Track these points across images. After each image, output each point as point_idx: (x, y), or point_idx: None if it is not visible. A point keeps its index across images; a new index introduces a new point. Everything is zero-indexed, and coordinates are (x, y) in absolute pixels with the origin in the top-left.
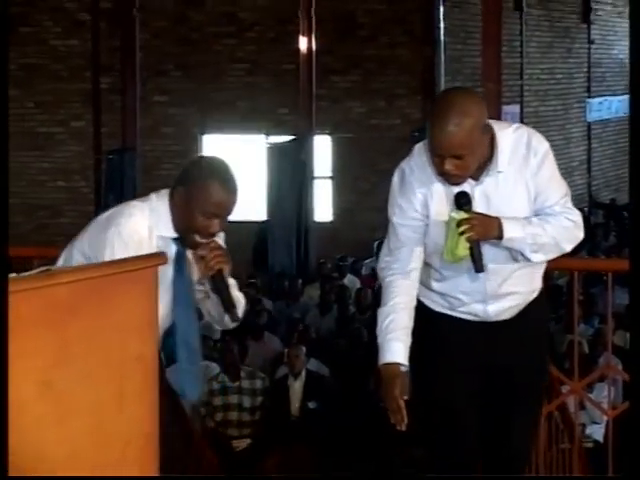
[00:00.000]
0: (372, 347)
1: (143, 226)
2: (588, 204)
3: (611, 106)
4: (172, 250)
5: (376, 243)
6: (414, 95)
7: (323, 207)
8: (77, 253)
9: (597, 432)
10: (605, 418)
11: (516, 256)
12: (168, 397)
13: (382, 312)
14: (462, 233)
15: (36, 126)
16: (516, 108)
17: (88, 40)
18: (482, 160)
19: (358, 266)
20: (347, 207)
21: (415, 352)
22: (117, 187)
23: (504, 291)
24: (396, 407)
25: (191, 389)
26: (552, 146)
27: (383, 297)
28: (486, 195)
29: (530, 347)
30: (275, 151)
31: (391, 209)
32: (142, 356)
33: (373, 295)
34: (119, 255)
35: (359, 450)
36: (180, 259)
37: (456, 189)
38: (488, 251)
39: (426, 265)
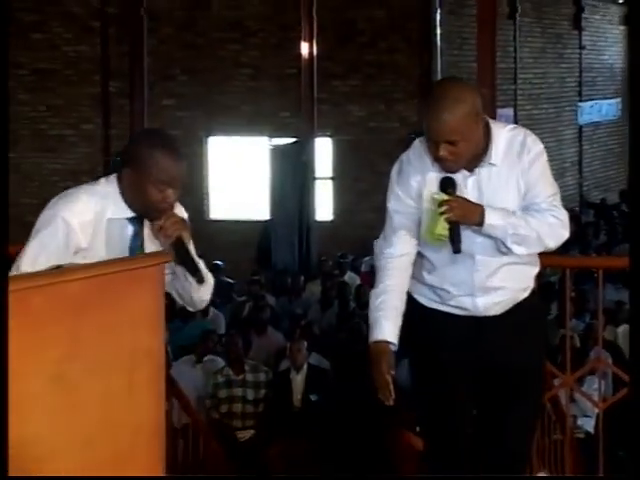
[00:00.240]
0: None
1: (87, 210)
2: (579, 204)
3: (601, 109)
4: (129, 230)
5: (375, 241)
6: (412, 99)
7: (324, 207)
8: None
9: (588, 423)
10: (596, 410)
11: (499, 247)
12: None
13: (374, 293)
14: (442, 214)
15: (48, 129)
16: (510, 111)
17: (98, 46)
18: (477, 151)
19: (358, 263)
20: (347, 207)
21: (408, 347)
22: None
23: (492, 285)
24: (383, 383)
25: None
26: (545, 148)
27: (376, 280)
28: (478, 186)
29: (523, 349)
30: (278, 153)
31: (388, 197)
32: (150, 349)
33: None
34: (46, 239)
35: (359, 441)
36: (136, 237)
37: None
38: (474, 240)
39: (419, 257)
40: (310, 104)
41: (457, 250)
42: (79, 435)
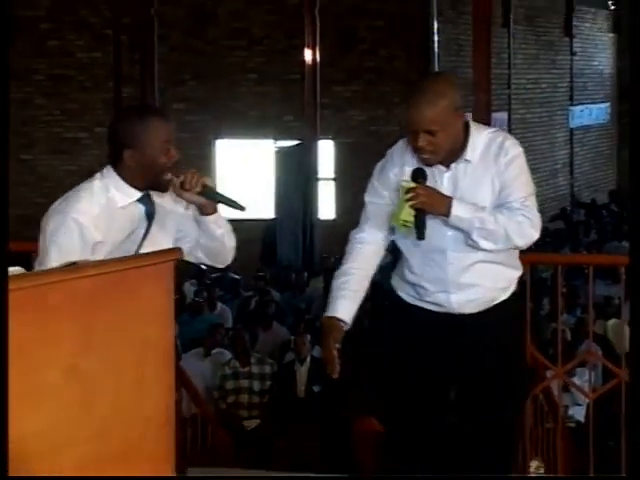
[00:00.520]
0: (371, 334)
1: (92, 206)
2: (570, 203)
3: (592, 113)
4: (141, 210)
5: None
6: None
7: (326, 206)
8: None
9: (579, 413)
10: (586, 400)
11: (467, 240)
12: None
13: (337, 274)
14: (408, 200)
15: (63, 132)
16: (504, 115)
17: (110, 53)
18: (454, 146)
19: None
20: (348, 206)
21: (388, 340)
22: None
23: (465, 281)
24: (329, 357)
25: None
26: (537, 150)
27: (342, 262)
28: (454, 182)
29: (497, 350)
30: (282, 155)
31: (367, 189)
32: (160, 343)
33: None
34: (64, 245)
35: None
36: (150, 215)
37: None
38: (445, 234)
39: (402, 257)
40: (313, 108)
41: (421, 237)
42: (92, 425)
